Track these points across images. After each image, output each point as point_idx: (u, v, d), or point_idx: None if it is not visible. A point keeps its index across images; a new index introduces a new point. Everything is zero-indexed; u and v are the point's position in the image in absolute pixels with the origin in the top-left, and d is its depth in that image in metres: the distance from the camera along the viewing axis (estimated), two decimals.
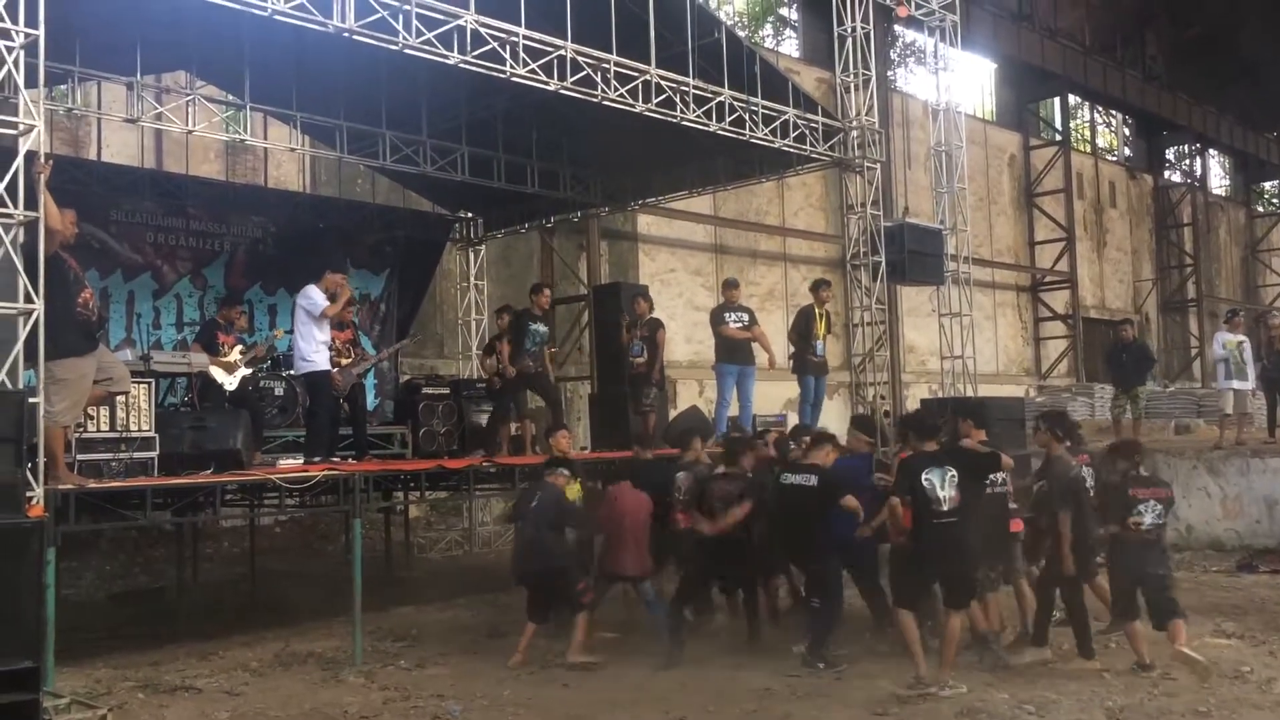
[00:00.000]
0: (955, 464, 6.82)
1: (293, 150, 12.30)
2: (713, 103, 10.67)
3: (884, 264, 11.98)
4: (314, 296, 9.43)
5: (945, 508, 6.71)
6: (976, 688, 6.64)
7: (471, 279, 15.11)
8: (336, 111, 11.51)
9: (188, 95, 10.84)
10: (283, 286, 12.95)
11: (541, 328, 10.91)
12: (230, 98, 11.37)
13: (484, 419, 11.97)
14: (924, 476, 6.80)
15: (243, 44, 10.18)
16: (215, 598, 10.94)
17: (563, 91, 9.56)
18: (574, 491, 8.96)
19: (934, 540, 6.77)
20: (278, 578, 12.02)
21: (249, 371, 10.05)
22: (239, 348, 10.02)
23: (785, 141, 11.38)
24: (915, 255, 12.17)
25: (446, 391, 12.22)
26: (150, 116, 10.40)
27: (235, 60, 10.59)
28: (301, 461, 9.03)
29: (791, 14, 23.70)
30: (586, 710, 6.65)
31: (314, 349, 9.35)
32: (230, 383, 9.72)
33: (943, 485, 6.73)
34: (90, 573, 11.69)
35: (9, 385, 6.28)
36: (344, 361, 10.42)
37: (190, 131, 10.67)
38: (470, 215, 15.17)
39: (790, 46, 23.34)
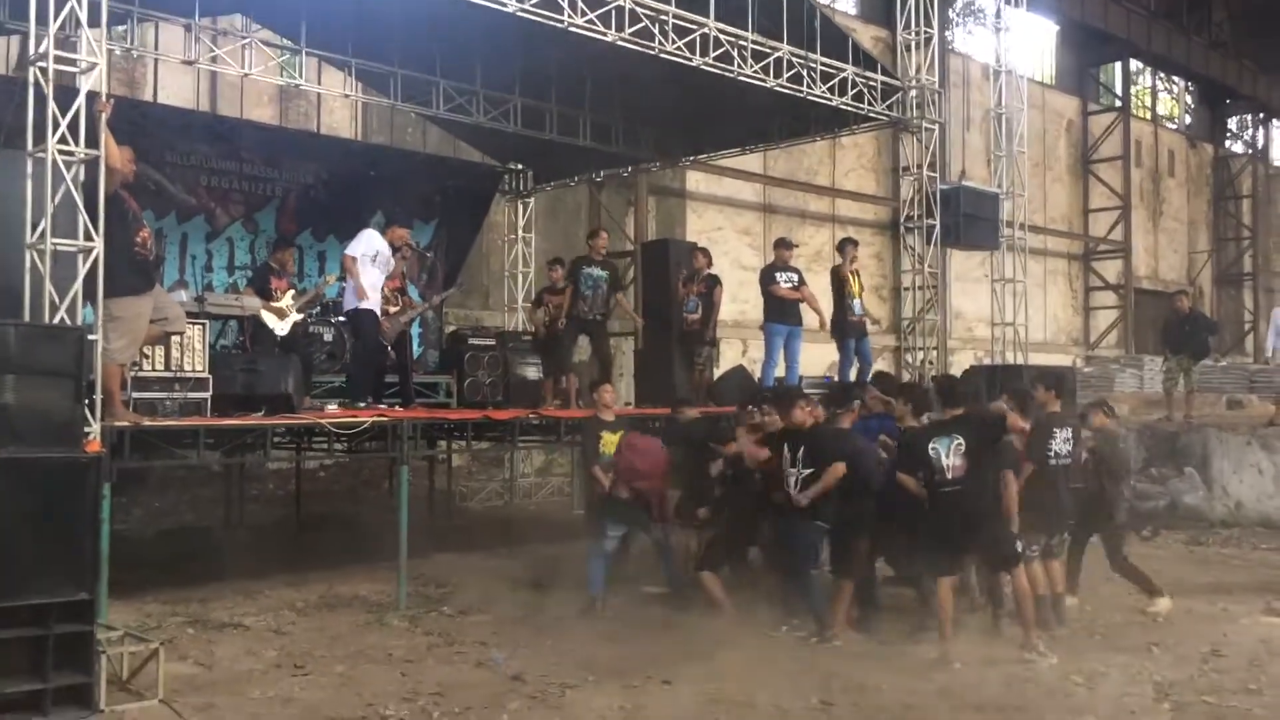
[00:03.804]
0: (962, 431, 6.73)
1: (347, 96, 12.28)
2: (770, 58, 10.50)
3: (938, 227, 11.79)
4: (363, 238, 9.45)
5: (950, 476, 6.65)
6: (1022, 656, 6.57)
7: (520, 231, 15.05)
8: (391, 59, 11.47)
9: (244, 39, 10.84)
10: (332, 233, 13.00)
11: (598, 271, 10.88)
12: (286, 42, 11.34)
13: (529, 371, 12.01)
14: (930, 446, 6.75)
15: None
16: (261, 538, 11.08)
17: (620, 43, 9.45)
18: (614, 444, 8.95)
19: (941, 510, 6.70)
20: (322, 521, 12.18)
21: (300, 317, 10.08)
22: (291, 293, 10.05)
23: (843, 100, 11.20)
24: (970, 219, 11.99)
25: (492, 343, 12.22)
26: (207, 59, 10.43)
27: (293, 4, 10.57)
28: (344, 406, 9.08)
29: None
30: (627, 662, 6.66)
31: (361, 290, 9.36)
32: (282, 328, 9.77)
33: (948, 454, 6.66)
34: (139, 509, 11.89)
35: (68, 321, 6.36)
36: (392, 309, 10.42)
37: (246, 75, 10.65)
38: (520, 167, 15.08)
39: (846, 3, 22.90)
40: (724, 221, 20.00)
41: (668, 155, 14.39)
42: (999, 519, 6.68)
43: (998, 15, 15.09)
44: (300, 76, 11.52)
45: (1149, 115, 30.48)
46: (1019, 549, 6.73)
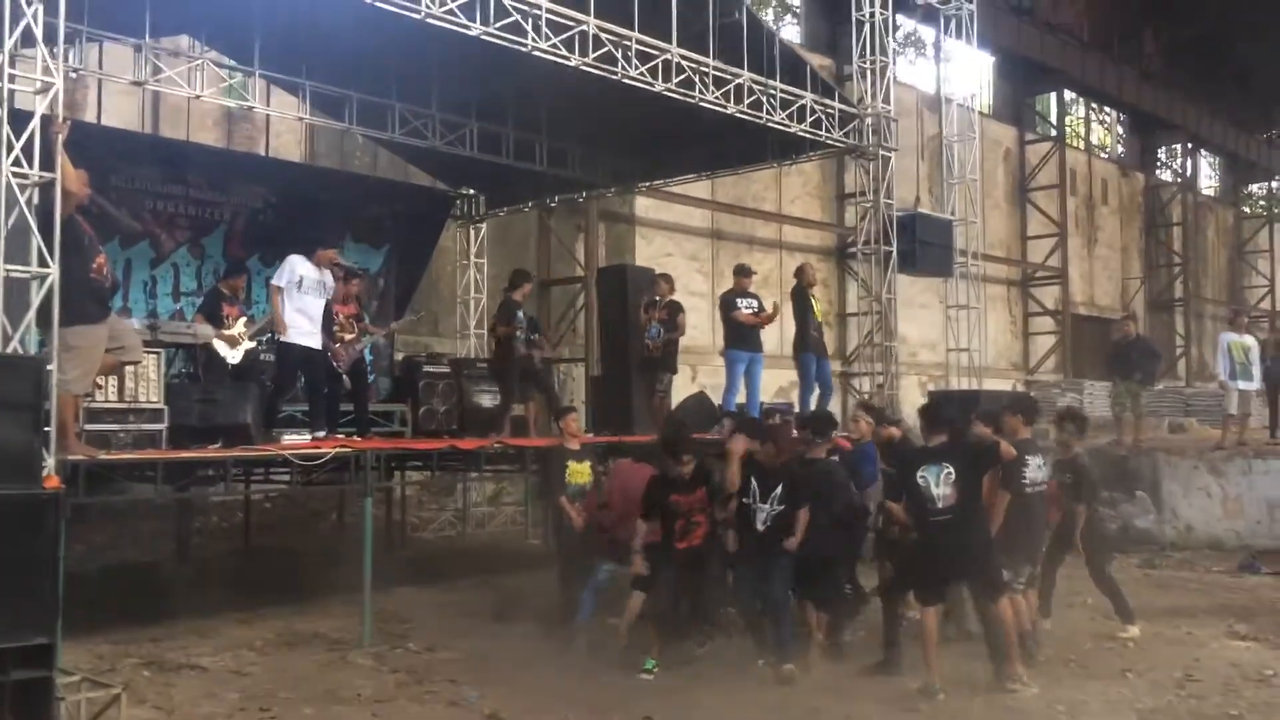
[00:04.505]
0: (952, 459, 6.68)
1: (300, 119, 12.03)
2: (731, 84, 10.56)
3: (894, 254, 11.91)
4: (285, 266, 9.26)
5: (940, 505, 6.60)
6: (1002, 684, 6.57)
7: (471, 256, 14.93)
8: (345, 82, 11.30)
9: (193, 60, 10.62)
10: (281, 258, 12.71)
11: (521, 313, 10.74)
12: (237, 64, 11.12)
13: (484, 399, 11.85)
14: (919, 474, 6.69)
15: (252, 10, 9.95)
16: (210, 573, 10.76)
17: (584, 68, 9.42)
18: (584, 474, 8.86)
19: (931, 539, 6.69)
20: (271, 554, 11.86)
21: (252, 345, 9.84)
22: (243, 320, 9.81)
23: (801, 126, 11.28)
24: (926, 245, 12.13)
25: (447, 370, 12.05)
26: (155, 81, 10.18)
27: (244, 27, 10.37)
28: (308, 438, 8.89)
29: (795, 1, 23.52)
30: (605, 699, 6.54)
31: (280, 324, 9.15)
32: (234, 356, 9.52)
33: (938, 483, 6.61)
34: (80, 544, 11.40)
35: (22, 351, 6.10)
36: (347, 337, 10.22)
37: (198, 97, 10.42)
38: (472, 192, 14.97)
39: (792, 33, 23.17)
40: (673, 247, 19.99)
41: (623, 180, 14.37)
42: (989, 549, 6.67)
43: (937, 46, 15.40)
44: (250, 99, 11.37)
45: (1083, 145, 31.26)
46: (1006, 578, 6.74)
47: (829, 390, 11.55)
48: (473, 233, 15.06)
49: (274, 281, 9.26)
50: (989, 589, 6.64)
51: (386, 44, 10.37)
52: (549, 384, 11.31)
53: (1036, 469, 7.29)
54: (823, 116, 11.51)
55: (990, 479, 6.89)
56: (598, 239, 17.56)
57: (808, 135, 11.49)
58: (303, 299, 9.25)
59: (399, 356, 13.80)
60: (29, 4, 6.43)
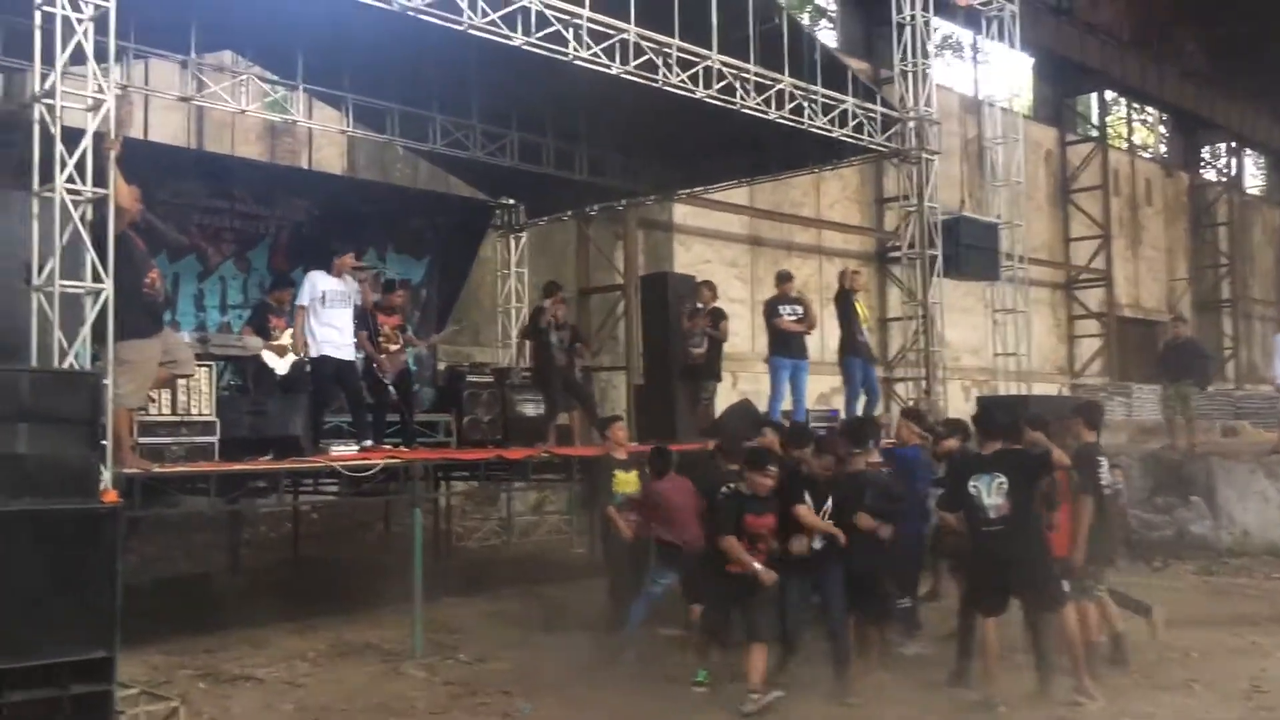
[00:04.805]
0: (1004, 468, 6.52)
1: (342, 132, 12.14)
2: (772, 90, 10.51)
3: (940, 258, 11.80)
4: (304, 284, 9.35)
5: (993, 515, 6.46)
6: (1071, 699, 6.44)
7: (512, 266, 14.95)
8: (387, 94, 11.40)
9: (237, 76, 10.74)
10: (325, 270, 12.80)
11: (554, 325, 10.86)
12: (275, 79, 11.23)
13: (527, 409, 11.88)
14: (970, 484, 6.57)
15: (296, 24, 10.02)
16: (261, 584, 10.83)
17: (625, 75, 9.41)
18: (632, 483, 8.82)
19: (984, 550, 6.56)
20: (319, 564, 11.93)
21: (299, 356, 9.89)
22: (290, 331, 9.86)
23: (843, 131, 11.21)
24: (971, 250, 12.00)
25: (490, 380, 12.07)
26: (203, 96, 10.32)
27: (287, 41, 10.49)
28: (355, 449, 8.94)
29: (829, 4, 23.43)
30: (657, 709, 6.48)
31: (300, 341, 9.26)
32: (282, 367, 9.58)
33: (990, 493, 6.48)
34: (133, 556, 11.51)
35: (78, 366, 6.17)
36: (392, 348, 10.30)
37: (243, 112, 10.55)
38: (512, 202, 15.00)
39: (827, 38, 23.06)
40: (711, 254, 19.94)
41: (663, 188, 14.35)
42: (1044, 559, 6.55)
43: (975, 47, 15.27)
44: (293, 112, 11.48)
45: (1125, 145, 30.87)
46: (1066, 589, 6.60)
47: (876, 396, 11.46)
48: (513, 242, 15.09)
49: (298, 302, 9.35)
50: (1047, 600, 6.51)
51: (427, 56, 10.43)
52: (587, 393, 11.32)
53: (1107, 472, 7.14)
54: (864, 120, 11.43)
55: (1054, 485, 6.75)
56: (636, 247, 17.53)
57: (849, 140, 11.41)
58: (329, 313, 9.32)
59: (442, 366, 13.84)
60: (80, 22, 6.52)
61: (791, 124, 10.69)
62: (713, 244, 19.92)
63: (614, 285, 16.89)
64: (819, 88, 10.78)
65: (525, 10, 8.63)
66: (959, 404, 17.75)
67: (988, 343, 16.88)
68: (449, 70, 10.93)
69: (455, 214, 14.51)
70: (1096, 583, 6.89)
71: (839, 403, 15.46)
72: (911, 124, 11.94)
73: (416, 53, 10.22)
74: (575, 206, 14.87)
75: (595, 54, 9.15)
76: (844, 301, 11.27)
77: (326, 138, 14.21)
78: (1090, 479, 6.87)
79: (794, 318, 10.97)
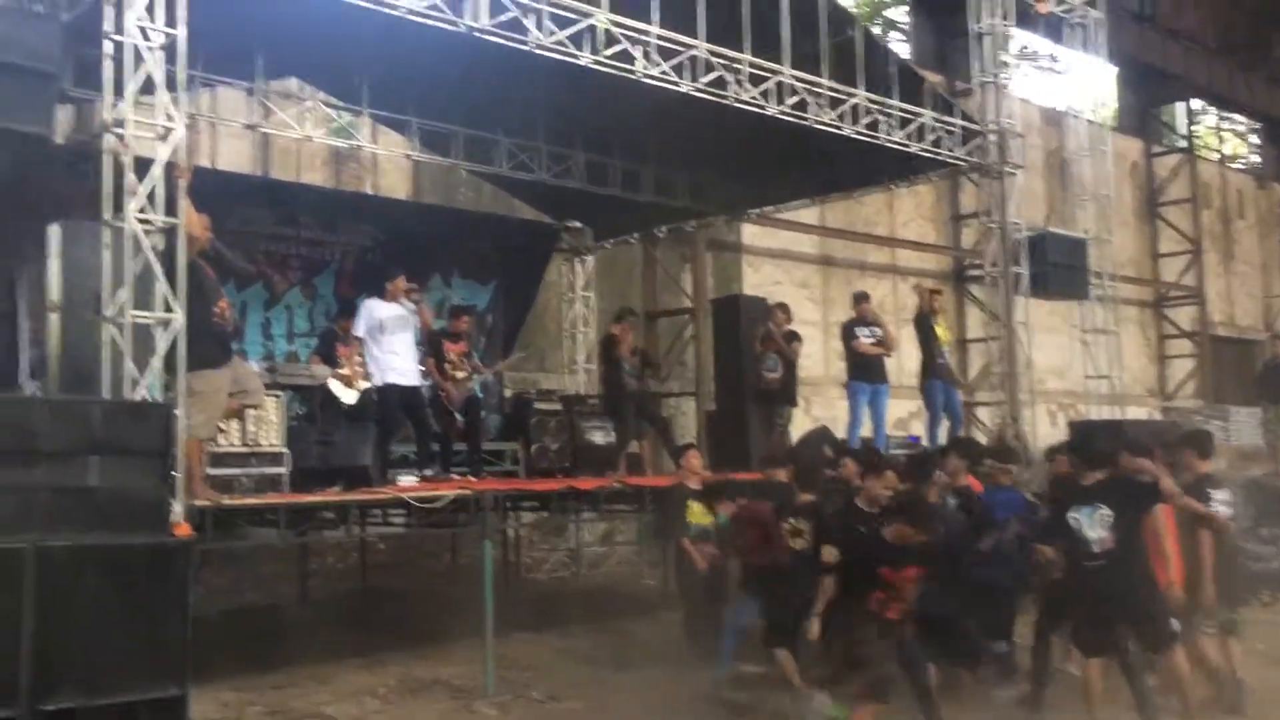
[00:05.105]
0: (1108, 499, 6.25)
1: (408, 157, 12.25)
2: (846, 105, 10.39)
3: (1025, 276, 11.55)
4: (361, 314, 9.40)
5: (1095, 549, 6.20)
6: None
7: (578, 290, 14.95)
8: (451, 118, 11.49)
9: (304, 102, 10.90)
10: None
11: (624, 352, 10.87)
12: (340, 104, 11.36)
13: (596, 436, 11.86)
14: (1070, 515, 6.32)
15: (360, 50, 10.13)
16: (327, 616, 10.87)
17: (694, 93, 9.36)
18: (705, 513, 8.72)
19: (1086, 586, 6.31)
20: (387, 597, 11.95)
21: (367, 385, 9.95)
22: (357, 359, 9.93)
23: (921, 145, 11.06)
24: (1057, 267, 11.73)
25: (558, 407, 12.09)
26: (269, 123, 10.49)
27: (352, 67, 10.62)
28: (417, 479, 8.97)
29: (901, 15, 23.25)
30: None
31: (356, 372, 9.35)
32: (350, 397, 9.66)
33: (1092, 525, 6.22)
34: (200, 587, 11.66)
35: (150, 397, 6.24)
36: (459, 375, 10.33)
37: (308, 139, 10.68)
38: (578, 225, 15.03)
39: (898, 50, 22.83)
40: (781, 275, 19.77)
41: (732, 208, 14.27)
42: (1152, 595, 6.28)
43: (1055, 57, 15.00)
44: (357, 138, 11.62)
45: (1215, 155, 30.10)
46: (1176, 628, 6.33)
47: (959, 421, 11.25)
48: (579, 266, 15.11)
49: (355, 333, 9.40)
50: (1155, 639, 6.24)
51: (493, 78, 10.48)
52: (663, 420, 11.26)
53: (1226, 504, 6.86)
54: (942, 134, 11.26)
55: (1157, 518, 6.49)
56: (705, 269, 17.46)
57: (927, 154, 11.24)
58: (390, 339, 9.35)
59: (508, 393, 13.87)
60: (149, 51, 6.64)
61: (867, 139, 10.56)
62: (783, 265, 19.76)
63: (682, 308, 16.82)
64: (895, 101, 10.64)
65: (592, 29, 8.63)
66: (1046, 429, 17.36)
67: (1074, 364, 16.52)
68: (514, 92, 10.98)
69: (520, 237, 14.56)
70: (1221, 621, 6.58)
71: (919, 428, 15.25)
72: (992, 137, 11.73)
73: (482, 75, 10.28)
74: (642, 228, 14.84)
75: (664, 71, 9.12)
76: (923, 323, 11.11)
77: (391, 163, 14.37)
78: (1208, 511, 6.58)
79: (872, 340, 10.83)
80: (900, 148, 10.90)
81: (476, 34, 8.15)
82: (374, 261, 13.00)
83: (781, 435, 11.18)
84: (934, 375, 11.00)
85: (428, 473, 9.26)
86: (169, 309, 6.40)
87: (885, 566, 6.10)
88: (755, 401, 11.29)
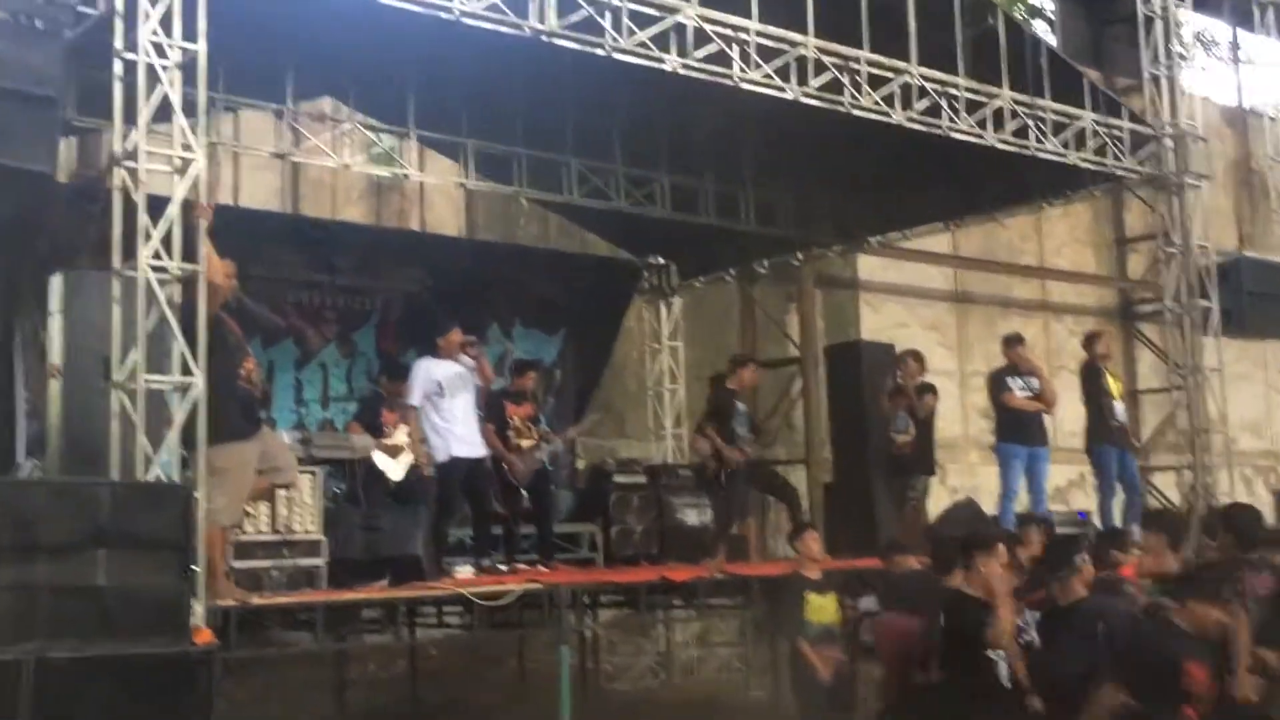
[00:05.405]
0: None
1: (461, 185, 12.36)
2: (988, 108, 10.24)
3: (1215, 311, 11.24)
4: (415, 378, 9.49)
5: None
6: None
7: (664, 338, 14.89)
8: (512, 139, 11.57)
9: (340, 125, 11.06)
10: None
11: (744, 408, 10.85)
12: (383, 126, 11.52)
13: (689, 515, 11.75)
14: None
15: (405, 62, 10.30)
16: None
17: (803, 99, 9.30)
18: (829, 610, 8.56)
19: None
20: (440, 712, 11.88)
21: (415, 457, 9.95)
22: (405, 428, 9.95)
23: (1081, 154, 10.85)
24: (1257, 299, 11.40)
25: (643, 480, 12.03)
26: (301, 150, 10.65)
27: (395, 82, 10.77)
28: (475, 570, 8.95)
29: (1045, 3, 23.10)
30: None
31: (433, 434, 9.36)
32: (396, 471, 9.63)
33: None
34: (220, 700, 11.72)
35: (166, 477, 6.27)
36: (525, 444, 10.27)
37: (346, 167, 10.83)
38: (662, 260, 15.01)
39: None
40: (907, 315, 19.51)
41: (848, 236, 14.15)
42: None
43: (1235, 44, 14.70)
44: (402, 165, 11.74)
45: None
46: None
47: (1137, 491, 10.94)
48: (663, 309, 15.05)
49: (410, 402, 9.47)
50: None
51: (561, 90, 10.59)
52: (791, 488, 11.24)
53: None
54: (1106, 140, 11.05)
55: None
56: (814, 309, 17.31)
57: (1089, 165, 11.04)
58: (451, 404, 9.43)
59: (581, 465, 13.81)
60: (165, 70, 6.76)
61: (1014, 148, 10.40)
62: (907, 302, 19.52)
63: (788, 358, 16.63)
64: (1048, 102, 10.46)
65: (680, 28, 8.63)
66: (1241, 498, 16.78)
67: (1274, 418, 16.00)
68: (586, 106, 11.06)
69: (594, 277, 14.57)
70: None
71: (1083, 500, 14.83)
72: (1168, 142, 11.48)
73: (548, 87, 10.38)
74: (739, 263, 14.79)
75: (766, 75, 9.08)
76: (1092, 373, 10.86)
77: (440, 194, 14.52)
78: None
79: (1028, 393, 10.56)
80: (1056, 158, 10.71)
81: (544, 38, 8.18)
82: (422, 310, 13.10)
83: (916, 511, 10.91)
84: (1106, 438, 10.72)
85: (487, 562, 9.21)
86: (187, 371, 6.44)
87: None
88: (883, 470, 11.19)
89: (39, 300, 8.45)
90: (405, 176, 11.78)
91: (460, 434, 9.36)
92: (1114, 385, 10.97)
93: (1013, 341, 11.09)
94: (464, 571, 8.82)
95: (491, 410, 10.23)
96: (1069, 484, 17.14)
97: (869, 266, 18.74)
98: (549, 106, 11.03)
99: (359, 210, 14.70)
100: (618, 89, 10.31)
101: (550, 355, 14.24)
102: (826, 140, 11.15)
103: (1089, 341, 11.32)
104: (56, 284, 7.24)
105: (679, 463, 13.38)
